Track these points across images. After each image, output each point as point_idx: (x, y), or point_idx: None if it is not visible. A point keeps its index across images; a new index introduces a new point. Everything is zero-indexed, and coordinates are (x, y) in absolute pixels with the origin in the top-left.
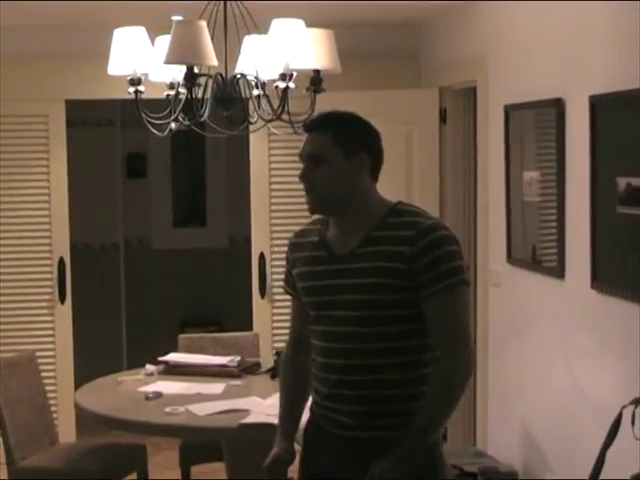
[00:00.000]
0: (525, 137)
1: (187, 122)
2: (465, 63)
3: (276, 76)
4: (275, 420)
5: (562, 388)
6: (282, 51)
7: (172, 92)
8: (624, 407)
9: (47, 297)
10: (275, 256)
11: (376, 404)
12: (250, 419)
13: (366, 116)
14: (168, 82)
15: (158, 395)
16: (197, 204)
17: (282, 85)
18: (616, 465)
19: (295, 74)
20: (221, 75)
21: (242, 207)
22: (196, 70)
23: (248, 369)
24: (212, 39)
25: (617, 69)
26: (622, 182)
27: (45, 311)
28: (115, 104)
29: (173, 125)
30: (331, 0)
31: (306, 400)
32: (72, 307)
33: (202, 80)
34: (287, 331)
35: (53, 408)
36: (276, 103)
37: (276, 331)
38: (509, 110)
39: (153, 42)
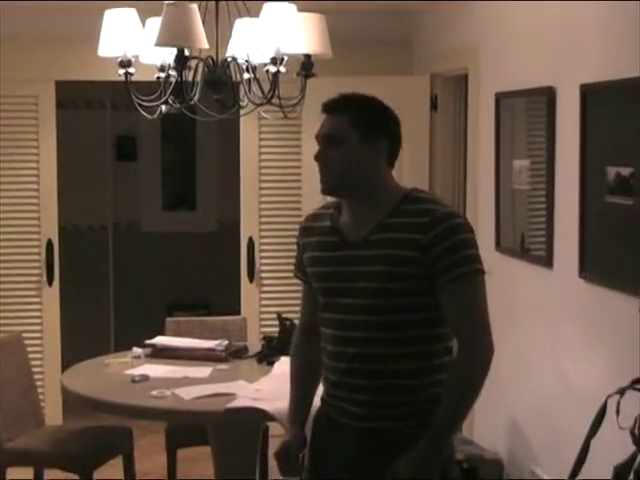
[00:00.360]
0: (516, 125)
1: (177, 105)
2: (457, 51)
3: (267, 60)
4: (261, 404)
5: (549, 377)
6: (273, 35)
7: (162, 74)
8: (609, 396)
9: (35, 279)
10: (264, 240)
11: (386, 394)
12: (236, 403)
13: None
14: (159, 64)
15: (145, 378)
16: (187, 188)
17: (273, 69)
18: (600, 454)
19: (286, 58)
20: (212, 58)
21: (232, 191)
22: (187, 53)
23: (235, 353)
24: (203, 22)
25: (608, 58)
26: (611, 171)
27: (33, 292)
28: (106, 86)
29: (163, 108)
30: None
31: (316, 386)
32: (60, 289)
33: (193, 63)
34: (274, 316)
35: (40, 390)
36: (267, 87)
37: (264, 315)
38: (500, 98)
39: (144, 24)
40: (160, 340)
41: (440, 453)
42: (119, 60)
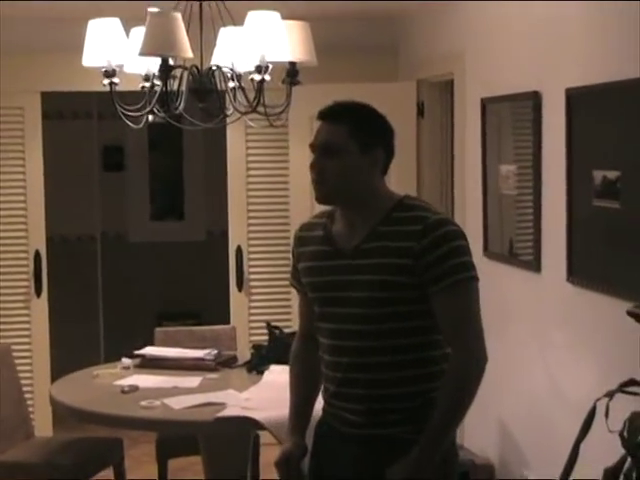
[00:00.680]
0: (502, 130)
1: (163, 114)
2: (443, 56)
3: (252, 68)
4: (251, 413)
5: (538, 381)
6: (258, 43)
7: (147, 84)
8: (598, 400)
9: (23, 290)
10: (252, 249)
11: (383, 402)
12: (226, 412)
13: None
14: (143, 74)
15: (134, 389)
16: (174, 197)
17: (258, 77)
18: (590, 458)
19: (271, 66)
20: (196, 67)
21: (220, 200)
22: (171, 62)
23: (225, 362)
24: (187, 31)
25: (593, 62)
26: (598, 175)
27: (21, 304)
28: (92, 96)
29: (149, 117)
30: None
31: (317, 395)
32: (48, 300)
33: (177, 72)
34: (263, 324)
35: (29, 402)
36: (252, 95)
37: (253, 324)
38: (486, 103)
39: (128, 33)
40: (149, 350)
41: (434, 457)
42: (103, 70)
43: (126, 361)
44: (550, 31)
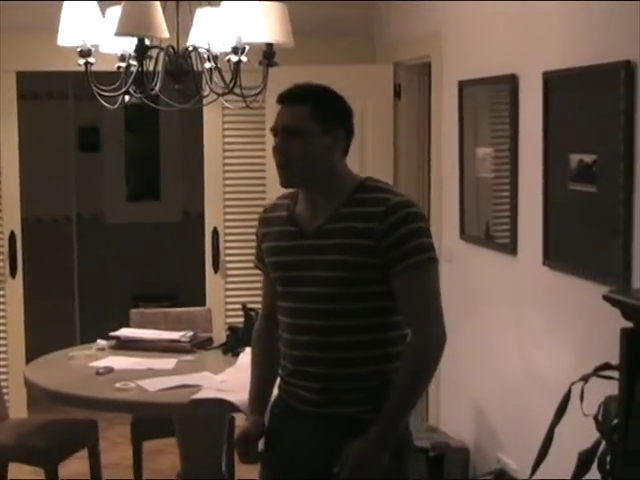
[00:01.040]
0: (479, 113)
1: (139, 95)
2: (419, 39)
3: (228, 49)
4: (226, 396)
5: (514, 364)
6: (234, 24)
7: (123, 64)
8: (573, 384)
9: None
10: (228, 231)
11: (341, 381)
12: (201, 394)
13: None
14: (119, 54)
15: (109, 370)
16: (151, 178)
17: (234, 58)
18: (565, 441)
19: (247, 47)
20: (173, 48)
21: (196, 182)
22: (147, 42)
23: (200, 344)
24: (164, 11)
25: (571, 46)
26: (574, 159)
27: None
28: (68, 76)
29: (125, 98)
30: None
31: (277, 375)
32: (23, 281)
33: (153, 52)
34: (239, 306)
35: (4, 383)
36: (228, 77)
37: (229, 306)
38: (463, 86)
39: (104, 13)
40: (124, 332)
41: (390, 437)
42: (79, 50)
43: (101, 342)
44: (528, 14)
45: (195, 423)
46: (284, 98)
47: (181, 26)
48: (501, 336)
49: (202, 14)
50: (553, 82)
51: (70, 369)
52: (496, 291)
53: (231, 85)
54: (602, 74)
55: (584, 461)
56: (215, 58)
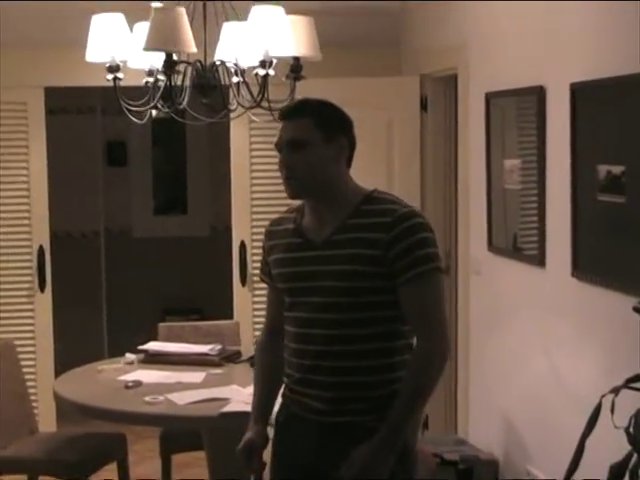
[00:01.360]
0: (506, 125)
1: (166, 109)
2: (446, 50)
3: (256, 63)
4: None
5: (542, 376)
6: (262, 38)
7: (151, 79)
8: (603, 396)
9: (27, 285)
10: (256, 244)
11: (348, 390)
12: (230, 408)
13: (347, 104)
14: (147, 69)
15: (138, 384)
16: (178, 192)
17: (262, 72)
18: (596, 454)
19: (275, 61)
20: (200, 62)
21: (223, 195)
22: (175, 57)
23: (229, 357)
24: (191, 25)
25: (598, 57)
26: (602, 170)
27: (25, 300)
28: (96, 91)
29: (153, 112)
30: None
31: (280, 386)
32: (52, 295)
33: (181, 67)
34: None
35: (33, 397)
36: (256, 90)
37: (257, 319)
38: (490, 98)
39: (132, 28)
40: (153, 345)
41: (395, 445)
42: (107, 65)
43: (130, 356)
44: (554, 25)
45: (224, 436)
46: (286, 114)
47: (208, 40)
48: (530, 348)
49: (229, 28)
50: (580, 93)
51: (99, 383)
52: (524, 303)
53: (259, 99)
54: (629, 85)
55: (615, 474)
56: (242, 72)
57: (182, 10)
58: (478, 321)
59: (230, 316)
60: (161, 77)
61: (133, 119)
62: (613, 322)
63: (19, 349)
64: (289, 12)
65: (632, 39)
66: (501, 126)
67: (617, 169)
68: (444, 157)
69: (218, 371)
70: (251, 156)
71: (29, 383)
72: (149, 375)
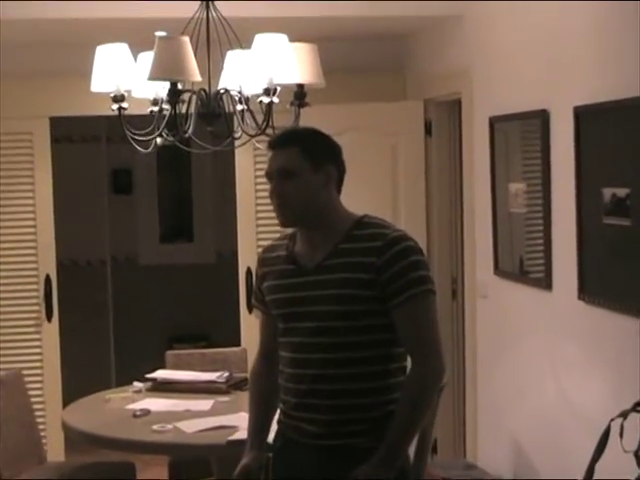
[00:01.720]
0: (510, 149)
1: (171, 138)
2: (450, 75)
3: (260, 91)
4: None
5: (551, 399)
6: (265, 66)
7: (156, 108)
8: (612, 420)
9: (34, 315)
10: None
11: (344, 413)
12: (238, 435)
13: (351, 129)
14: (152, 98)
15: (146, 412)
16: (184, 219)
17: (266, 100)
18: (606, 477)
19: (279, 89)
20: (204, 90)
21: (229, 222)
22: (179, 86)
23: (236, 385)
24: (195, 54)
25: (601, 80)
26: (607, 193)
27: (32, 329)
28: (100, 120)
29: (158, 141)
30: (316, 8)
31: (275, 411)
32: (59, 324)
33: (186, 96)
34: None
35: (41, 426)
36: (260, 118)
37: None
38: (494, 122)
39: (136, 58)
40: (160, 374)
41: (393, 465)
42: (112, 95)
43: (138, 385)
44: (558, 49)
45: (232, 464)
46: (275, 144)
47: (212, 69)
48: (538, 371)
49: (233, 56)
50: (584, 116)
51: (107, 412)
52: (531, 326)
53: (263, 126)
54: (633, 108)
55: None
56: (247, 100)
57: (186, 39)
58: (485, 344)
59: (237, 343)
60: (166, 106)
61: (138, 148)
62: (620, 344)
63: (27, 378)
64: (293, 39)
65: (635, 62)
66: (505, 150)
67: (622, 192)
68: (449, 181)
69: (226, 399)
70: (256, 183)
71: (37, 412)
72: (157, 403)
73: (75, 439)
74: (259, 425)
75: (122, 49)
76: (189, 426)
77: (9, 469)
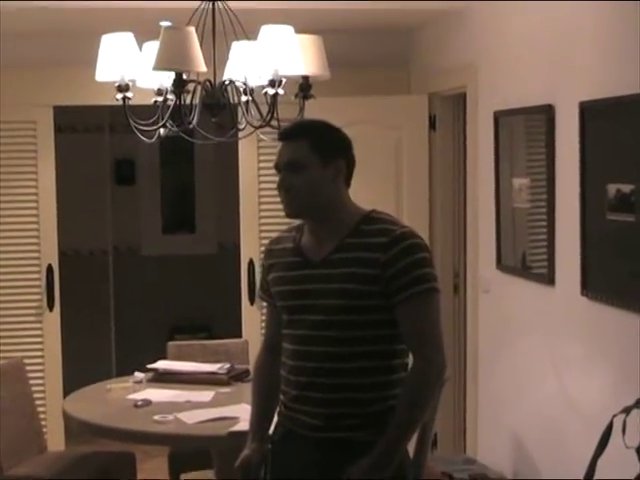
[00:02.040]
0: (515, 143)
1: (175, 128)
2: (455, 69)
3: (265, 82)
4: None
5: (552, 395)
6: (271, 57)
7: (160, 98)
8: (615, 416)
9: (35, 304)
10: None
11: (344, 406)
12: (239, 427)
13: (356, 122)
14: (156, 88)
15: (147, 403)
16: (186, 210)
17: (271, 91)
18: (607, 474)
19: (284, 80)
20: (209, 81)
21: (231, 213)
22: (184, 76)
23: (237, 376)
24: (201, 45)
25: (606, 75)
26: (612, 188)
27: (33, 318)
28: (104, 110)
29: (162, 131)
30: (321, 1)
31: (277, 404)
32: (61, 314)
33: (190, 86)
34: None
35: (42, 416)
36: (265, 109)
37: None
38: (499, 116)
39: (141, 48)
40: (162, 364)
41: (392, 460)
42: (116, 84)
43: (139, 375)
44: (563, 44)
45: (233, 455)
46: (285, 135)
47: (218, 60)
48: (539, 367)
49: (238, 47)
50: (590, 112)
51: (108, 402)
52: (534, 321)
53: (268, 118)
54: (638, 103)
55: None
56: (252, 91)
57: (191, 29)
58: (487, 340)
59: (239, 334)
60: (170, 96)
61: (142, 138)
62: (623, 340)
63: (28, 368)
64: (298, 31)
65: None
66: (510, 145)
67: (627, 188)
68: (453, 176)
69: (227, 390)
70: (259, 174)
71: (38, 402)
72: (158, 394)
73: (76, 429)
74: (261, 417)
75: (127, 38)
76: (190, 417)
77: (9, 458)
